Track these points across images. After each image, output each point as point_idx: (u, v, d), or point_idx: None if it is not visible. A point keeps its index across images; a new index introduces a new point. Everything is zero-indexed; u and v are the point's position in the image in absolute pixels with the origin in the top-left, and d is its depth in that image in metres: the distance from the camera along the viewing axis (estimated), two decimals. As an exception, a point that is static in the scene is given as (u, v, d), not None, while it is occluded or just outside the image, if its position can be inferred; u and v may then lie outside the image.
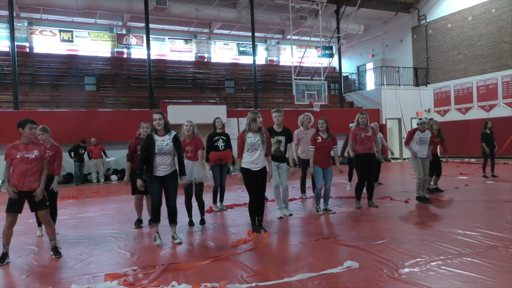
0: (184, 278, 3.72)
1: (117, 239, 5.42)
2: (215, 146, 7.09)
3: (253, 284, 3.46)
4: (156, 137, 4.98)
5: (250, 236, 5.17)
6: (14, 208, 4.49)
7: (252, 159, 5.38)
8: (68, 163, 14.25)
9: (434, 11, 20.03)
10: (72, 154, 13.59)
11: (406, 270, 3.71)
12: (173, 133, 5.09)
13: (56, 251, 4.66)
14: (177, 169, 5.08)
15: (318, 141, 6.52)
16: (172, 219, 5.14)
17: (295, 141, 7.77)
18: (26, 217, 5.83)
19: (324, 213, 6.55)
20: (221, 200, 7.47)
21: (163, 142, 4.95)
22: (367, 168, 6.90)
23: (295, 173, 6.36)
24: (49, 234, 4.69)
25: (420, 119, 7.52)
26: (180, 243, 5.02)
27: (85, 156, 13.92)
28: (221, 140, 7.13)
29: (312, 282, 3.47)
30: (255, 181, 5.42)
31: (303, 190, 8.45)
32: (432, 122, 8.47)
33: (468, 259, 3.94)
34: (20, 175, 4.45)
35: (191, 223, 6.16)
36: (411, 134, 7.36)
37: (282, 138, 6.34)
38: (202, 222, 6.24)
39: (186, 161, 6.02)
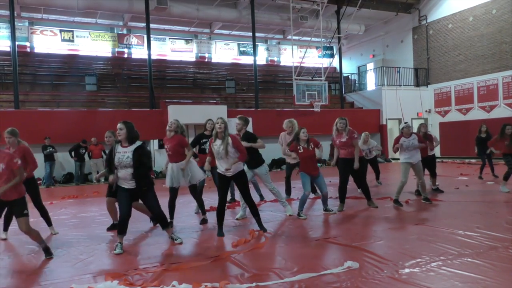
0: (184, 278, 3.72)
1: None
2: (202, 148, 6.95)
3: (253, 284, 3.46)
4: (119, 148, 4.70)
5: (251, 236, 5.18)
6: None
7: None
8: (68, 163, 14.28)
9: (435, 11, 20.02)
10: (73, 153, 13.60)
11: (407, 270, 3.71)
12: (137, 143, 4.71)
13: (47, 251, 4.61)
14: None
15: (300, 151, 6.45)
16: (164, 224, 5.11)
17: (280, 142, 7.99)
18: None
19: (305, 218, 6.34)
20: None
21: (124, 154, 4.63)
22: (351, 172, 6.86)
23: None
24: (35, 240, 4.58)
25: (405, 122, 7.50)
26: (180, 243, 5.02)
27: (86, 156, 13.93)
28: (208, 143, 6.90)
29: (313, 282, 3.47)
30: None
31: (287, 191, 8.33)
32: (420, 125, 8.53)
33: (468, 259, 3.94)
34: None
35: (170, 225, 5.86)
36: (396, 141, 7.21)
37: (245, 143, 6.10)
38: (204, 221, 6.22)
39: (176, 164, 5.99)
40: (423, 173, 7.72)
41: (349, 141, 6.79)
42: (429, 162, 8.49)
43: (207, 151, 6.74)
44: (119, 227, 4.84)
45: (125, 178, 4.68)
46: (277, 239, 5.15)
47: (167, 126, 6.17)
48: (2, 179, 4.33)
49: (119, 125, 4.68)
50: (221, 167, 5.35)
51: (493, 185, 9.36)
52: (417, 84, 20.55)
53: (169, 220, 5.95)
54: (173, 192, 6.15)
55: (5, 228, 5.65)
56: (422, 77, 20.63)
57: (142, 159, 4.66)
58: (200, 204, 6.34)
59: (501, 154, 8.33)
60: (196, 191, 6.28)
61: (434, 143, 8.57)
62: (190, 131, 15.13)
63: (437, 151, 9.15)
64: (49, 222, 5.91)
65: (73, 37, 19.76)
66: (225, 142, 5.24)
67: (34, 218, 5.81)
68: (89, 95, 17.32)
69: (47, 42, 19.40)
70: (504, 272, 3.56)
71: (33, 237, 4.54)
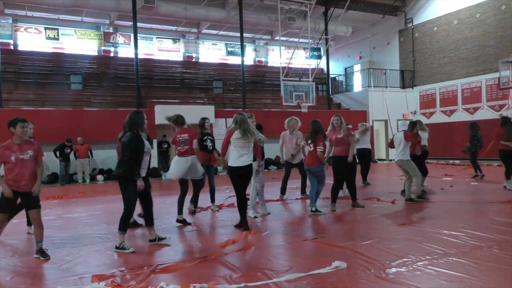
0: (172, 279, 3.70)
1: (104, 240, 5.36)
2: (204, 145, 7.05)
3: (242, 285, 3.46)
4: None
5: (239, 237, 5.17)
6: (5, 208, 4.43)
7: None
8: (53, 163, 14.05)
9: (421, 14, 20.30)
10: (58, 153, 13.39)
11: (394, 270, 3.76)
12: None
13: (43, 253, 4.56)
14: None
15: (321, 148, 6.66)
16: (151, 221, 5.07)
17: (280, 142, 7.99)
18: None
19: (313, 214, 6.55)
20: (213, 201, 7.43)
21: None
22: (345, 170, 6.94)
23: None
24: (37, 236, 4.58)
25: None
26: (168, 245, 4.97)
27: (71, 156, 13.74)
28: (208, 140, 7.12)
29: (301, 282, 3.49)
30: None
31: (282, 191, 8.41)
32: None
33: (454, 259, 4.01)
34: (16, 177, 4.36)
35: (184, 222, 6.13)
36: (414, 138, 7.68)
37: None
38: (193, 213, 6.39)
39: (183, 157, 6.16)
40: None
41: (346, 138, 6.87)
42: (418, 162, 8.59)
43: (209, 147, 7.05)
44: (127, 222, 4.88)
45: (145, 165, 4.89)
46: (265, 239, 5.15)
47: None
48: (28, 167, 4.39)
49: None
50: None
51: (477, 186, 9.52)
52: (403, 86, 20.80)
53: (179, 217, 6.17)
54: (185, 186, 6.31)
55: (29, 223, 5.66)
56: (408, 79, 20.89)
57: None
58: (197, 199, 6.48)
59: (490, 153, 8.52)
60: (200, 186, 6.51)
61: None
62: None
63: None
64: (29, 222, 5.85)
65: (58, 35, 19.48)
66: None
67: (18, 219, 5.71)
68: (74, 94, 17.08)
69: (31, 39, 19.08)
70: (488, 271, 3.63)
71: (39, 232, 4.56)
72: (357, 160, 9.47)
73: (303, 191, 8.55)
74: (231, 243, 4.88)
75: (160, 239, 5.06)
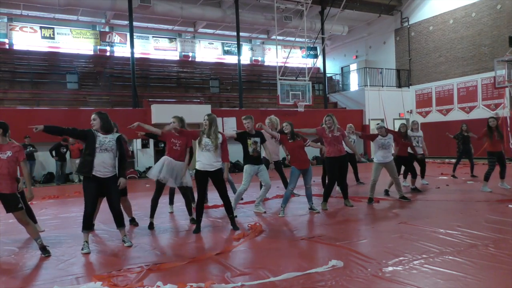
0: (169, 278, 3.69)
1: (100, 239, 5.34)
2: None
3: (239, 284, 3.46)
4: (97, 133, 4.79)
5: (251, 230, 5.30)
6: None
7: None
8: (49, 162, 13.98)
9: (417, 14, 20.35)
10: (53, 153, 13.33)
11: (390, 268, 3.77)
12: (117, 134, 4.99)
13: (44, 249, 4.58)
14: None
15: (289, 141, 6.66)
16: (121, 223, 5.00)
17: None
18: (6, 217, 5.70)
19: (283, 216, 6.48)
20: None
21: (105, 139, 4.77)
22: (339, 170, 6.96)
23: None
24: (31, 234, 4.61)
25: (377, 124, 7.71)
26: (130, 246, 4.90)
27: (67, 155, 13.67)
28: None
29: (298, 281, 3.49)
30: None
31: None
32: (400, 126, 8.77)
33: (450, 257, 4.02)
34: None
35: (151, 227, 5.90)
36: (373, 137, 7.57)
37: (258, 140, 6.56)
38: (193, 221, 6.18)
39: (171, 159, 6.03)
40: (397, 172, 7.85)
41: (341, 137, 6.90)
42: (409, 162, 8.63)
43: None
44: (86, 221, 4.77)
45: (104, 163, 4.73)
46: (261, 238, 5.15)
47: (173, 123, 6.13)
48: (4, 167, 4.38)
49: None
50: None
51: (473, 185, 9.56)
52: (399, 85, 20.86)
53: (149, 220, 5.99)
54: (161, 188, 6.07)
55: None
56: (404, 78, 20.94)
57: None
58: (190, 205, 6.35)
59: (486, 153, 8.51)
60: (188, 192, 6.35)
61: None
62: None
63: (418, 151, 9.35)
64: (34, 220, 5.83)
65: (53, 34, 19.39)
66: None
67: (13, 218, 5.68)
68: (70, 93, 17.01)
69: (26, 39, 18.97)
70: (484, 269, 3.65)
71: (31, 231, 4.62)
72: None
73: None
74: (243, 236, 5.03)
75: (124, 241, 4.99)
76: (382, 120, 19.75)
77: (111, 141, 4.78)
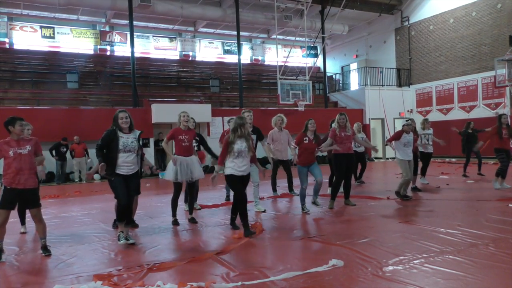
0: (169, 277, 3.70)
1: (101, 239, 5.35)
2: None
3: (239, 283, 3.46)
4: (120, 133, 4.92)
5: (255, 230, 5.31)
6: (8, 205, 4.45)
7: (240, 165, 5.30)
8: (49, 162, 13.97)
9: (417, 13, 20.34)
10: (54, 152, 13.34)
11: (390, 268, 3.77)
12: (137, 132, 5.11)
13: (45, 249, 4.62)
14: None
15: (305, 141, 6.59)
16: (121, 218, 5.05)
17: (269, 141, 8.12)
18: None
19: (308, 212, 6.57)
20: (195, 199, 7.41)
21: (128, 139, 4.93)
22: (346, 168, 6.96)
23: (265, 174, 6.40)
24: (40, 233, 4.66)
25: (406, 120, 7.66)
26: (133, 244, 4.91)
27: (68, 155, 13.67)
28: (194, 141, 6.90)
29: (298, 281, 3.49)
30: (241, 184, 5.43)
31: (274, 188, 8.63)
32: (411, 122, 8.71)
33: (450, 257, 4.02)
34: (15, 173, 4.40)
35: (175, 223, 6.08)
36: (399, 135, 7.51)
37: (254, 137, 6.61)
38: (193, 221, 6.19)
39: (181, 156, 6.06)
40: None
41: (351, 136, 6.98)
42: (415, 161, 8.63)
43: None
44: (122, 214, 4.93)
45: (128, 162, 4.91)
46: (262, 237, 5.15)
47: (184, 117, 6.15)
48: (26, 162, 4.44)
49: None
50: (236, 167, 5.32)
51: (473, 184, 9.56)
52: (399, 84, 20.85)
53: (172, 218, 6.11)
54: (179, 187, 6.17)
55: (23, 222, 5.82)
56: (404, 78, 20.93)
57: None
58: (193, 203, 6.37)
59: (493, 150, 8.47)
60: (195, 188, 6.39)
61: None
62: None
63: (428, 149, 9.37)
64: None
65: (54, 33, 19.38)
66: (248, 140, 5.39)
67: (13, 218, 5.69)
68: (70, 93, 17.00)
69: (27, 38, 18.96)
70: (484, 268, 3.65)
71: (42, 229, 4.65)
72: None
73: (290, 189, 8.70)
74: (243, 236, 5.04)
75: (127, 238, 5.00)
76: (383, 120, 19.79)
77: (133, 142, 4.96)
